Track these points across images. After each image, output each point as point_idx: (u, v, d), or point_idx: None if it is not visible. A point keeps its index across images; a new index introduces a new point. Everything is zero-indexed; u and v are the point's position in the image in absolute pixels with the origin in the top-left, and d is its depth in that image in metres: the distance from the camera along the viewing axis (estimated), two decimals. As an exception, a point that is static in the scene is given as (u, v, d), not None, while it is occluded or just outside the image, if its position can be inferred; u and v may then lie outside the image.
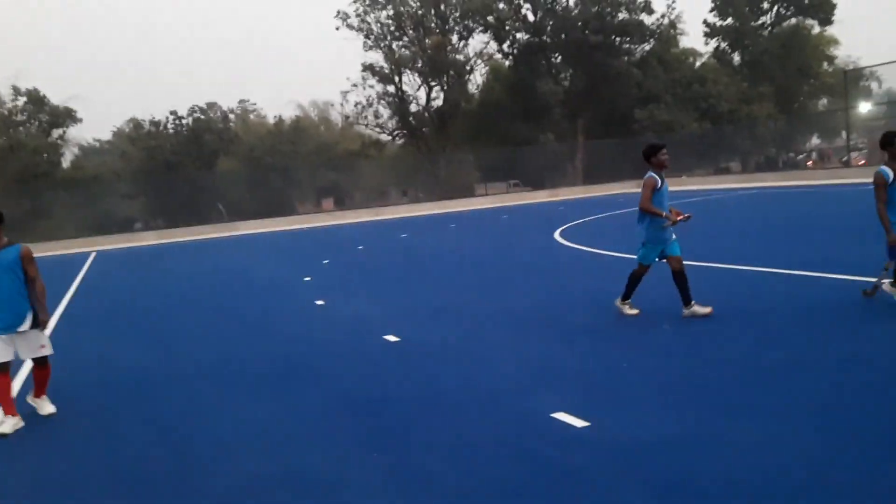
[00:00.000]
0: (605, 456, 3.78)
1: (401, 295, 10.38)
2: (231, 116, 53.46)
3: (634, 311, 7.40)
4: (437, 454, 4.05)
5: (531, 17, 49.95)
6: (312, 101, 74.05)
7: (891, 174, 6.50)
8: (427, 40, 47.88)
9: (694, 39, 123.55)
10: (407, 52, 49.23)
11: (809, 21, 51.52)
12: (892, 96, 51.22)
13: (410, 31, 49.29)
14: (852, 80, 51.45)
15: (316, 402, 5.35)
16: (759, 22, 52.66)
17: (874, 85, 54.96)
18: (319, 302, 10.11)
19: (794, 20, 51.91)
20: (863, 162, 42.62)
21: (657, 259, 7.19)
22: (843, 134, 51.17)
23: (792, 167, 41.76)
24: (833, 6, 49.78)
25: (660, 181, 7.07)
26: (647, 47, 50.12)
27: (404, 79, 49.66)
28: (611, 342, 6.39)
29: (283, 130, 51.34)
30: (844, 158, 40.24)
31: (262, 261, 18.46)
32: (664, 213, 6.98)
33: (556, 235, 16.91)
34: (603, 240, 15.05)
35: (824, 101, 56.77)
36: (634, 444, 3.88)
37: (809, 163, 44.45)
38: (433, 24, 49.16)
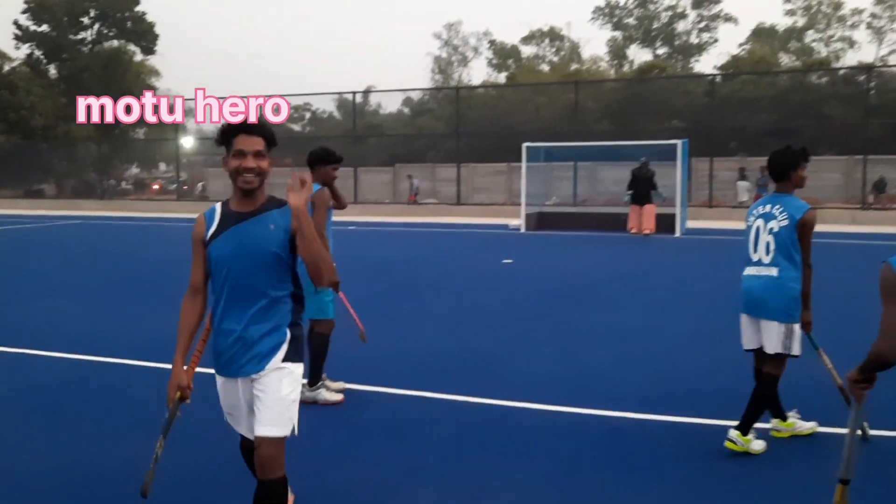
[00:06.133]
0: None
1: None
2: None
3: (338, 396, 5.14)
4: None
5: None
6: None
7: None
8: None
9: (3, 41, 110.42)
10: None
11: (132, 47, 50.09)
12: (203, 133, 53.39)
13: None
14: (173, 114, 52.01)
15: None
16: (80, 37, 48.82)
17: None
18: None
19: (116, 42, 49.75)
20: (157, 188, 43.28)
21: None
22: (161, 166, 51.45)
23: (115, 195, 39.09)
24: (156, 36, 49.47)
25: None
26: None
27: None
28: None
29: None
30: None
31: None
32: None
33: None
34: None
35: (144, 130, 56.05)
36: None
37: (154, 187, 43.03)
38: None
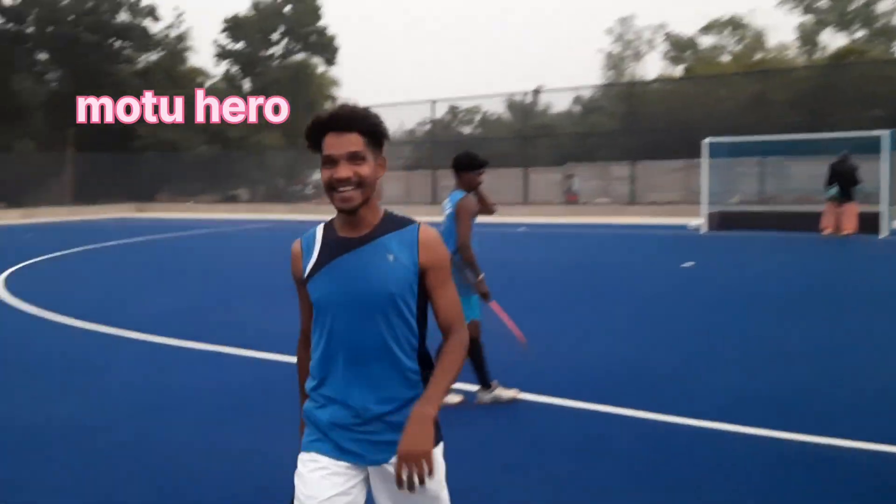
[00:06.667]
0: None
1: None
2: None
3: (512, 393, 5.18)
4: None
5: (9, 1, 41.12)
6: None
7: None
8: None
9: (205, 59, 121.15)
10: None
11: (316, 59, 53.19)
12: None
13: None
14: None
15: None
16: (270, 52, 52.52)
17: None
18: None
19: (301, 56, 53.04)
20: None
21: None
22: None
23: (299, 199, 41.58)
24: (336, 49, 52.25)
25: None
26: (152, 57, 45.53)
27: None
28: None
29: None
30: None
31: None
32: (481, 275, 4.91)
33: None
34: (73, 293, 10.78)
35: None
36: None
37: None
38: None
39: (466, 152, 5.19)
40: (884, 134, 17.11)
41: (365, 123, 1.97)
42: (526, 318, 8.00)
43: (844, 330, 7.29)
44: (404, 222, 2.06)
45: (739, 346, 6.79)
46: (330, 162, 1.95)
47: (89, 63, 40.07)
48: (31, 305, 9.58)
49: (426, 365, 2.08)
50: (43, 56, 43.13)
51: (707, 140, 18.75)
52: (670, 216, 22.92)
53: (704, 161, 18.75)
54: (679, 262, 12.61)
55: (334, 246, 2.03)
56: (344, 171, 1.94)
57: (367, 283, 1.98)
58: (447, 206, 5.08)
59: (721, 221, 18.88)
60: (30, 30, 41.65)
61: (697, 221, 18.90)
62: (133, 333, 7.74)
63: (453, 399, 5.08)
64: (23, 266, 14.08)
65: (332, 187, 1.96)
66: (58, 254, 16.54)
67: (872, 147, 17.16)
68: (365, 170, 1.96)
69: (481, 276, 4.94)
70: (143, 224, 28.48)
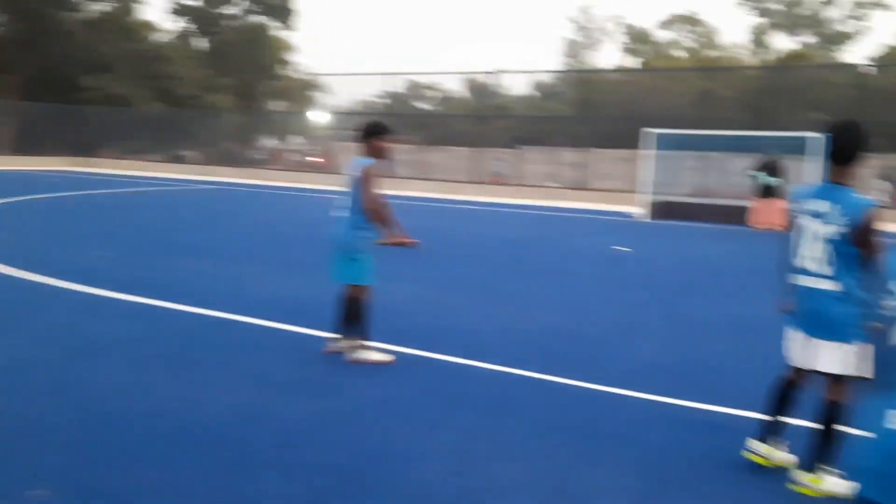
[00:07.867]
0: None
1: None
2: None
3: (387, 357, 5.24)
4: None
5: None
6: None
7: None
8: None
9: (157, 13, 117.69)
10: None
11: (273, 22, 52.15)
12: (338, 108, 55.06)
13: None
14: (308, 88, 54.03)
15: None
16: (228, 12, 51.31)
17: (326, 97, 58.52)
18: None
19: (258, 18, 51.94)
20: (322, 160, 44.72)
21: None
22: (295, 139, 53.40)
23: (249, 163, 41.01)
24: (293, 12, 51.23)
25: None
26: (101, 7, 44.10)
27: None
28: None
29: None
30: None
31: None
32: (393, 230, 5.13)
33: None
34: (12, 242, 10.63)
35: (280, 104, 58.33)
36: None
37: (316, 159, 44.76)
38: None
39: (375, 120, 5.38)
40: (817, 137, 17.75)
41: None
42: (462, 287, 8.24)
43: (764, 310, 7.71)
44: None
45: (661, 322, 7.17)
46: None
47: (33, 8, 38.60)
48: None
49: None
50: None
51: (649, 131, 19.23)
52: (615, 203, 23.45)
53: (644, 152, 19.28)
54: (615, 245, 13.03)
55: None
56: None
57: None
58: (351, 172, 5.17)
59: (664, 211, 19.44)
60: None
61: (639, 210, 19.42)
62: (68, 283, 7.72)
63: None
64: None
65: None
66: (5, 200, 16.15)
67: (804, 148, 17.84)
68: None
69: (393, 231, 5.12)
70: (85, 178, 27.82)
